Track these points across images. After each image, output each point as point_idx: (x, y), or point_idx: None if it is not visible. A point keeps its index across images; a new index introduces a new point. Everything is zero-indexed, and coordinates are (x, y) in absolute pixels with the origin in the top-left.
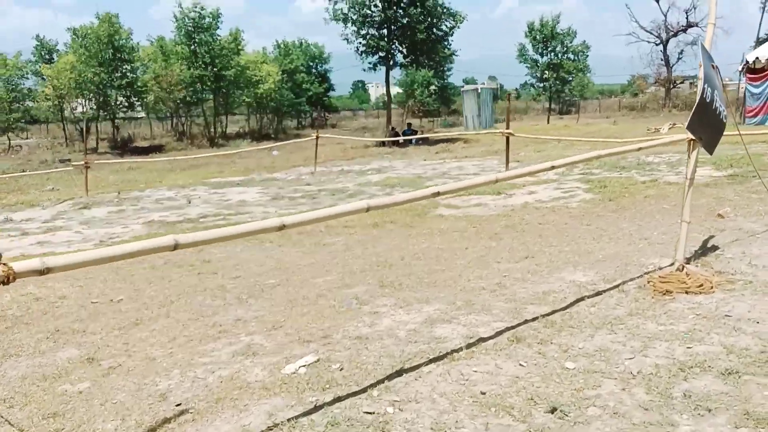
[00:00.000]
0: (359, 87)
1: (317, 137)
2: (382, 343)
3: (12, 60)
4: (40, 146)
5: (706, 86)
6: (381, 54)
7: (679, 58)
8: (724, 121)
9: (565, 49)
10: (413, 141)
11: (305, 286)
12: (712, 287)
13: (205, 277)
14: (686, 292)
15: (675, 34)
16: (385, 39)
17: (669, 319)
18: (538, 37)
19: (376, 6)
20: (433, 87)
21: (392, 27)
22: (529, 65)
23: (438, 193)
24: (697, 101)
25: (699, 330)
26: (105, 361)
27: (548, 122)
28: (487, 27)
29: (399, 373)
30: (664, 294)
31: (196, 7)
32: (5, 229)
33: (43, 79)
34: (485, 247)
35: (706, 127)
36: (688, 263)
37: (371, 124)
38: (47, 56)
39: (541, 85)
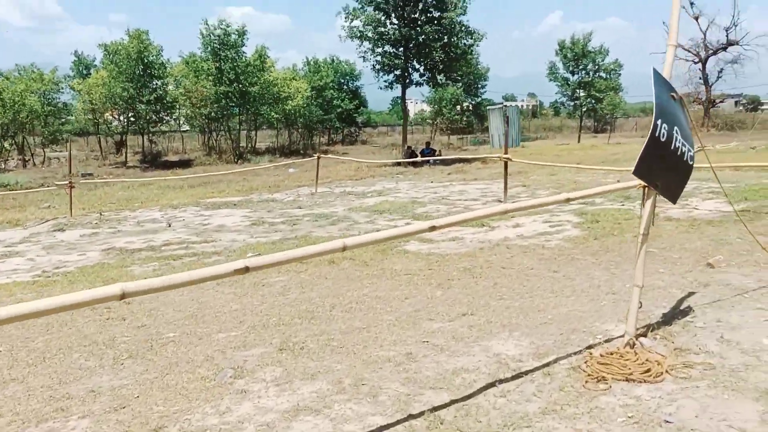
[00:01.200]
0: (398, 103)
1: (318, 158)
2: None
3: (48, 75)
4: (74, 159)
5: (659, 122)
6: (396, 72)
7: (719, 77)
8: (690, 162)
9: (596, 67)
10: (430, 161)
11: (201, 344)
12: (661, 374)
13: (108, 324)
14: (626, 380)
15: (714, 53)
16: (401, 57)
17: (591, 422)
18: (569, 55)
19: (392, 24)
20: (465, 104)
21: (409, 45)
22: (559, 83)
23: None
24: (646, 140)
25: None
26: None
27: (578, 141)
28: (530, 44)
29: None
30: (599, 381)
31: (221, 24)
32: None
33: (78, 93)
34: (427, 298)
35: (663, 170)
36: (645, 335)
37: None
38: (85, 71)
39: (572, 103)
